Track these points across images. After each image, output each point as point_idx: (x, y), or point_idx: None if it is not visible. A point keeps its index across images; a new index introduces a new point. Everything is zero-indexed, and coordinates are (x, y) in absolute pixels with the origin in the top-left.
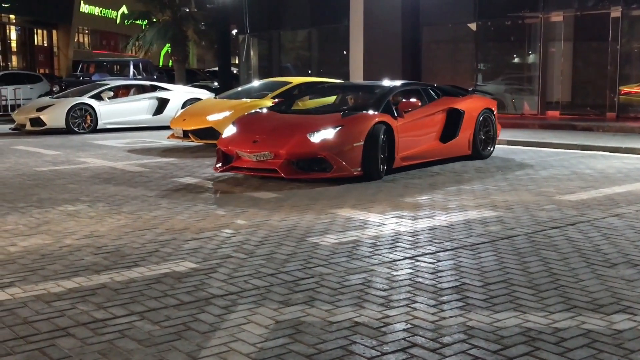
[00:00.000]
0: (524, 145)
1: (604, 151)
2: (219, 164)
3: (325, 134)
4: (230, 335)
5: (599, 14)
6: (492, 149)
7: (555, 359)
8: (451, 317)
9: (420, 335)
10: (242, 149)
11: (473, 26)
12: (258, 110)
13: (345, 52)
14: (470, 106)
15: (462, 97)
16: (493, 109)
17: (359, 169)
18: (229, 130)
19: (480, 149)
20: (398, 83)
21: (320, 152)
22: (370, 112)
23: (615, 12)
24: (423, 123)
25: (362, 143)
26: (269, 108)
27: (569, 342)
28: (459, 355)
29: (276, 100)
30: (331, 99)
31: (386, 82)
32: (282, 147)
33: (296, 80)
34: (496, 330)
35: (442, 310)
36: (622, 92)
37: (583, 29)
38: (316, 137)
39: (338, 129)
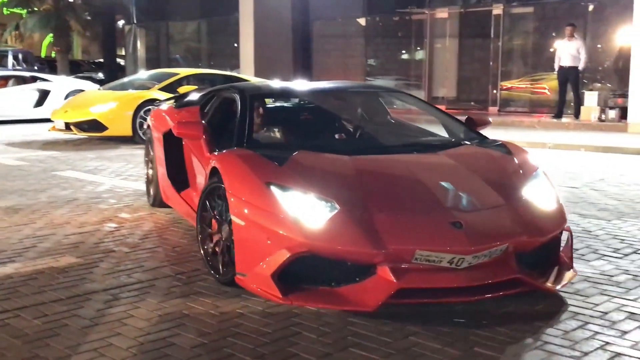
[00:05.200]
0: None
1: None
2: (285, 288)
3: (538, 190)
4: (110, 330)
5: (482, 11)
6: None
7: None
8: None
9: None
10: (435, 246)
11: (362, 21)
12: (298, 153)
13: (236, 45)
14: None
15: None
16: None
17: None
18: (320, 214)
19: None
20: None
21: (562, 225)
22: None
23: (497, 9)
24: None
25: None
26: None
27: None
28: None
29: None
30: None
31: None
32: (519, 229)
33: (184, 71)
34: None
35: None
36: (503, 87)
37: (467, 25)
38: (537, 197)
39: (541, 173)
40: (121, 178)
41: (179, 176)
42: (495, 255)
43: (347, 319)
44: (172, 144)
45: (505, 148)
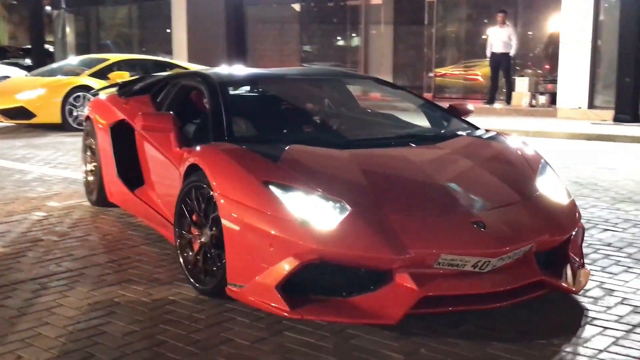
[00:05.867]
0: None
1: None
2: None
3: (550, 184)
4: (38, 320)
5: None
6: None
7: None
8: None
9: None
10: (460, 249)
11: (297, 7)
12: (294, 146)
13: (168, 31)
14: None
15: None
16: None
17: None
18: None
19: None
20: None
21: (579, 221)
22: (482, 131)
23: None
24: None
25: None
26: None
27: None
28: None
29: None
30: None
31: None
32: (541, 227)
33: (114, 57)
34: None
35: None
36: (437, 74)
37: (402, 12)
38: (550, 192)
39: (546, 164)
40: (50, 166)
41: (131, 172)
42: (517, 257)
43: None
44: (120, 136)
45: (504, 138)
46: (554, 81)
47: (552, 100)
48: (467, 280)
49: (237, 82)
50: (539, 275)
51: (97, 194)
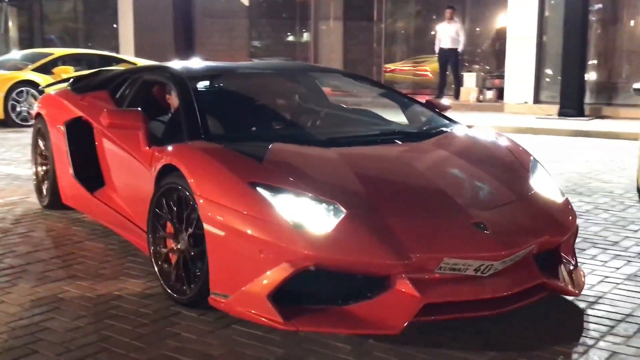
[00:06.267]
0: None
1: None
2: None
3: (543, 183)
4: None
5: None
6: None
7: None
8: None
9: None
10: (464, 252)
11: (246, 1)
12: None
13: (115, 25)
14: None
15: None
16: None
17: None
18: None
19: None
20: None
21: (575, 220)
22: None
23: None
24: None
25: None
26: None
27: None
28: None
29: None
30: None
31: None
32: (541, 228)
33: (59, 52)
34: None
35: None
36: (387, 69)
37: (351, 8)
38: (545, 191)
39: (537, 162)
40: None
41: (89, 173)
42: (518, 259)
43: None
44: (76, 135)
45: (491, 134)
46: (501, 77)
47: (499, 95)
48: (469, 285)
49: (206, 76)
50: (539, 278)
51: (50, 196)
